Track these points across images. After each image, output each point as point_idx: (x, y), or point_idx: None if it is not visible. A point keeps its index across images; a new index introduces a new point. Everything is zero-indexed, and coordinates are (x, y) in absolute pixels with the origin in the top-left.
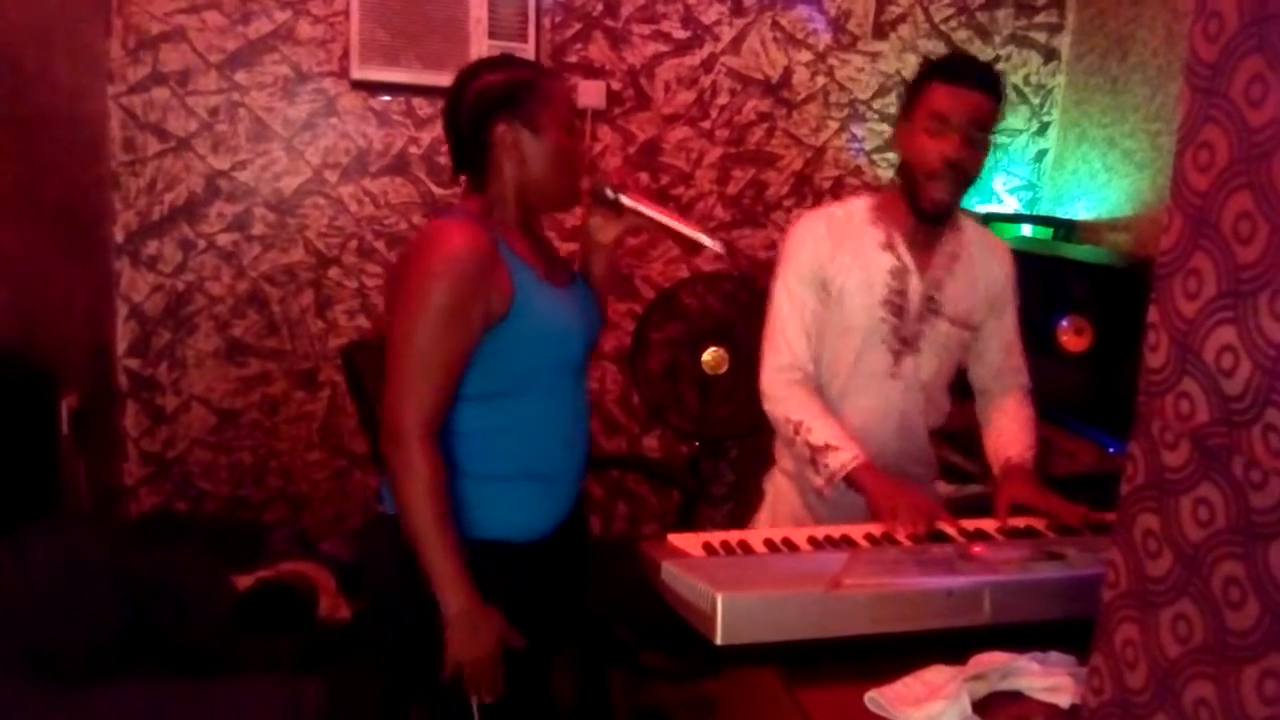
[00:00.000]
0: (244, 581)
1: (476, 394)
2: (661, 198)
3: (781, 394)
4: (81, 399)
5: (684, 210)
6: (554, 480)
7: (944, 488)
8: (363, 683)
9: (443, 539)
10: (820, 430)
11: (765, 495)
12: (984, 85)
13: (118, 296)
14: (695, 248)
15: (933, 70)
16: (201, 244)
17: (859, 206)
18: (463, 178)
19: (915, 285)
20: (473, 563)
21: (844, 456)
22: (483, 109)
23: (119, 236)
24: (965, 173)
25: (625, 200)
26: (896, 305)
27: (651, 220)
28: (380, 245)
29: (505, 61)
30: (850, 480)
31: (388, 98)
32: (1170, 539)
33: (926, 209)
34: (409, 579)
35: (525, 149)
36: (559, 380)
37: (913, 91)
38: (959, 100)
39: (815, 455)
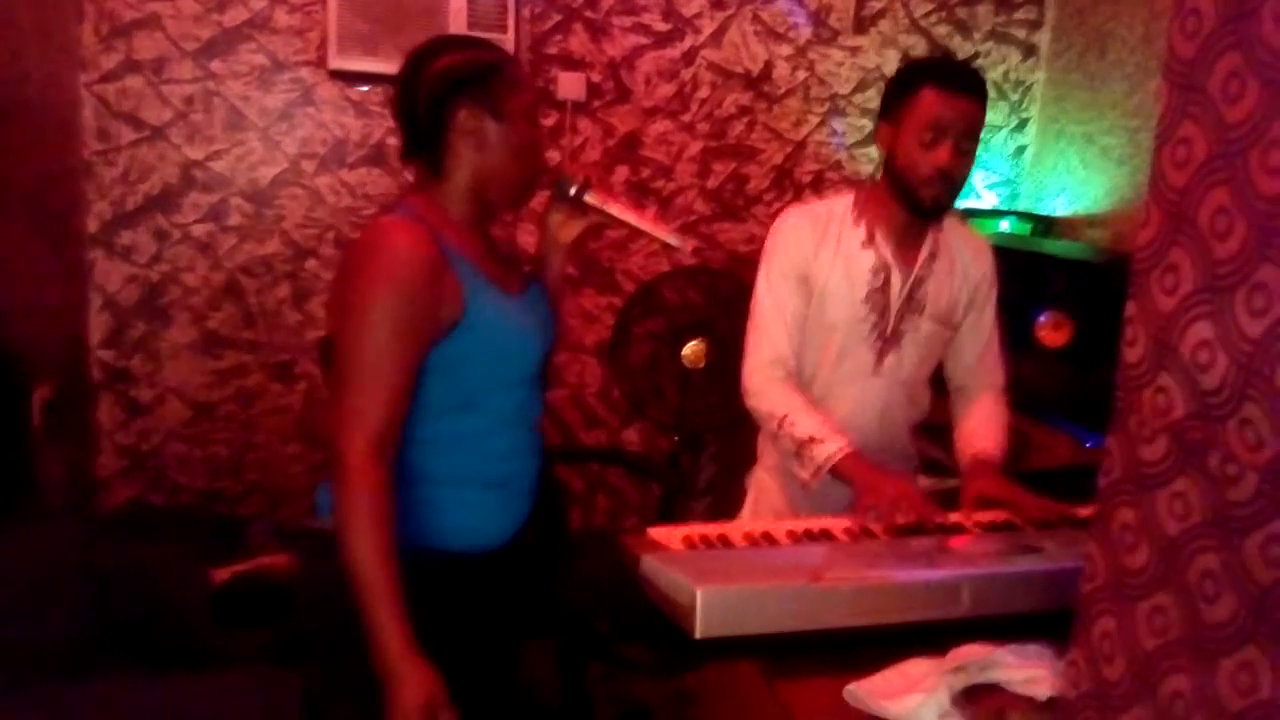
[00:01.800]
0: (221, 575)
1: (425, 405)
2: (641, 191)
3: (764, 389)
4: (54, 390)
5: (664, 204)
6: (508, 488)
7: (924, 481)
8: (342, 675)
9: (386, 580)
10: (805, 423)
11: (748, 493)
12: (977, 92)
13: (91, 287)
14: (670, 249)
15: (926, 74)
16: (176, 234)
17: (842, 204)
18: (415, 168)
19: (897, 282)
20: (427, 573)
21: (830, 448)
22: (444, 91)
23: (92, 226)
24: (956, 180)
25: (589, 199)
26: (879, 302)
27: (616, 219)
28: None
29: (467, 41)
30: (836, 471)
31: (366, 88)
32: (1147, 532)
33: (926, 208)
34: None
35: (488, 136)
36: (510, 392)
37: (902, 92)
38: (954, 109)
39: (800, 449)
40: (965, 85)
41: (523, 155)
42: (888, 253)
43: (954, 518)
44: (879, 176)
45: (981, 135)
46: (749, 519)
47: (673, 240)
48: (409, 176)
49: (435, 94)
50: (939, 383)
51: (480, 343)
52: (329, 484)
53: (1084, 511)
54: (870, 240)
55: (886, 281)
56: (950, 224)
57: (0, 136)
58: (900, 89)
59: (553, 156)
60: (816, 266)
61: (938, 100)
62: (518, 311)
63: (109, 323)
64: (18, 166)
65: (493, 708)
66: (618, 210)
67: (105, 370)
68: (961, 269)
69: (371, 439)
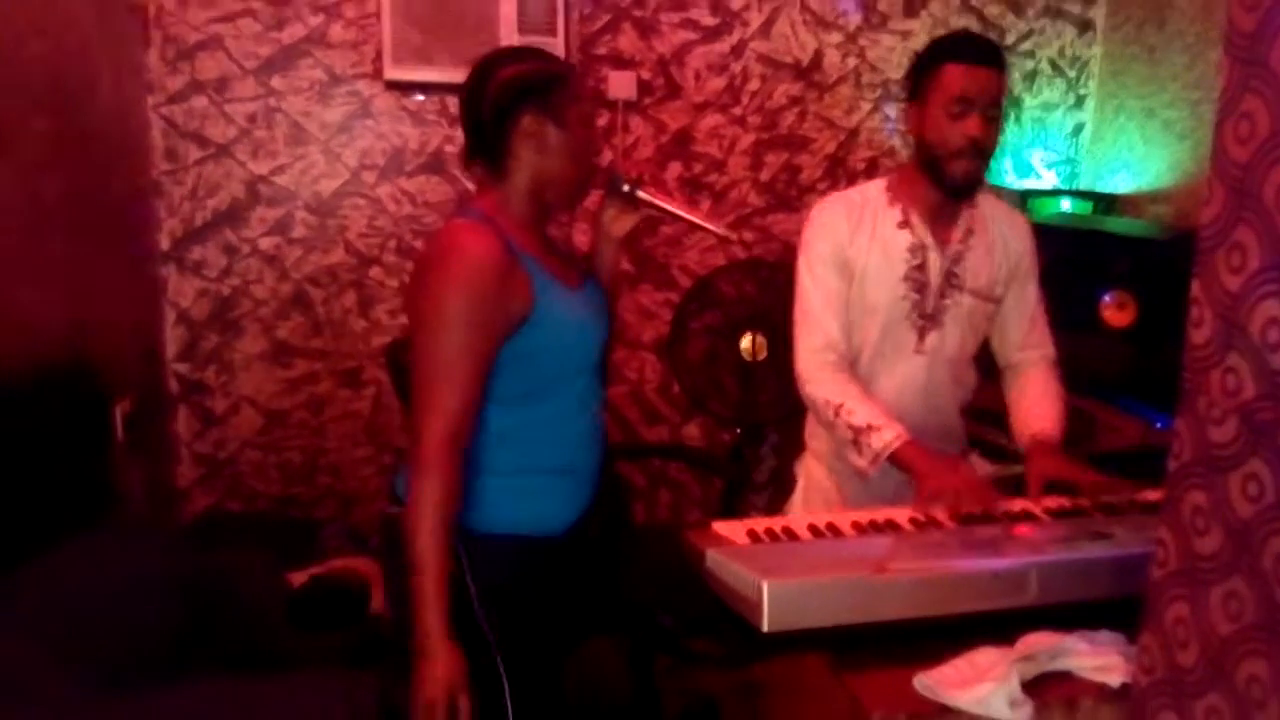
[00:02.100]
0: (297, 579)
1: (496, 396)
2: (695, 186)
3: (819, 376)
4: (134, 404)
5: (717, 198)
6: (572, 476)
7: (986, 467)
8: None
9: (437, 565)
10: (861, 411)
11: (798, 480)
12: (996, 62)
13: (165, 302)
14: (721, 240)
15: (945, 51)
16: (245, 248)
17: (875, 187)
18: (478, 170)
19: (935, 261)
20: (491, 557)
21: (887, 435)
22: (509, 98)
23: (164, 243)
24: (986, 150)
25: (641, 194)
26: (918, 281)
27: (668, 213)
28: (419, 244)
29: (532, 53)
30: (895, 459)
31: (421, 97)
32: (1220, 516)
33: (959, 183)
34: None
35: (548, 141)
36: (575, 382)
37: (924, 72)
38: (977, 80)
39: (858, 436)
40: (984, 56)
41: (579, 159)
42: (924, 232)
43: (1019, 504)
44: (910, 159)
45: (1040, 114)
46: (799, 506)
47: (720, 230)
48: (468, 183)
49: (500, 101)
50: (989, 368)
51: (547, 336)
52: (405, 473)
53: (1153, 494)
54: (906, 221)
55: (924, 260)
56: (985, 200)
57: (76, 161)
58: (921, 70)
59: (606, 156)
60: (854, 251)
61: (961, 73)
62: (579, 305)
63: (183, 336)
64: (94, 189)
65: (548, 686)
66: (669, 204)
67: (181, 382)
68: (1000, 243)
69: (449, 432)
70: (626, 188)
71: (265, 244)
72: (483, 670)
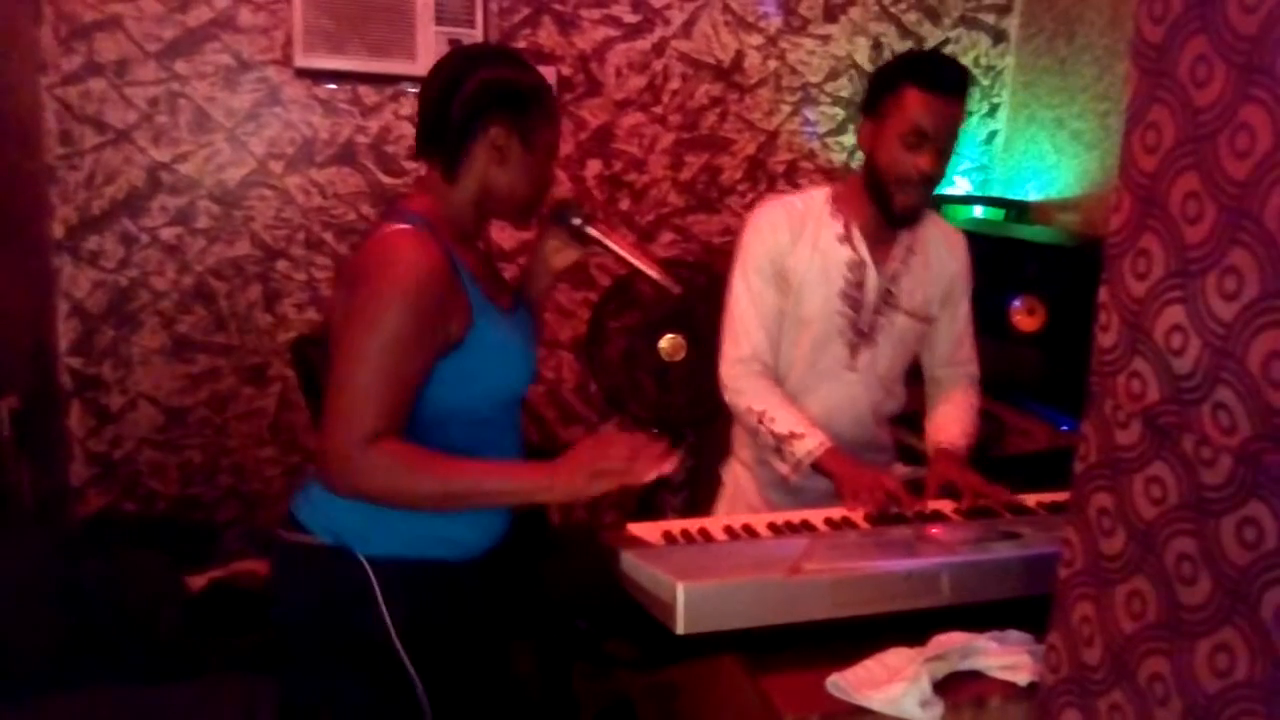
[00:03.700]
0: (197, 582)
1: (418, 418)
2: (615, 185)
3: (740, 385)
4: (22, 400)
5: (637, 197)
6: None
7: (900, 469)
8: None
9: (468, 470)
10: (784, 419)
11: (724, 485)
12: (961, 91)
13: (58, 294)
14: (662, 288)
15: (910, 72)
16: (144, 238)
17: (818, 197)
18: (417, 165)
19: (872, 279)
20: (404, 583)
21: (810, 444)
22: (484, 102)
23: (58, 232)
24: (935, 181)
25: (591, 231)
26: (853, 298)
27: (614, 254)
28: (329, 236)
29: (516, 58)
30: (817, 466)
31: (333, 86)
32: (1124, 517)
33: (901, 213)
34: (326, 625)
35: (510, 156)
36: (501, 410)
37: (884, 89)
38: (939, 111)
39: (780, 444)
40: (949, 85)
41: (536, 183)
42: (863, 249)
43: (932, 505)
44: (859, 170)
45: None
46: (724, 511)
47: (667, 282)
48: (380, 175)
49: (476, 102)
50: (914, 373)
51: (481, 361)
52: (302, 494)
53: (1060, 496)
54: (846, 235)
55: (862, 278)
56: (927, 218)
57: None
58: (882, 87)
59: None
60: (793, 261)
61: (924, 101)
62: (512, 329)
63: (77, 329)
64: None
65: (486, 708)
66: (617, 245)
67: (74, 377)
68: (937, 263)
69: (360, 437)
70: (577, 221)
71: (166, 234)
72: (403, 705)
